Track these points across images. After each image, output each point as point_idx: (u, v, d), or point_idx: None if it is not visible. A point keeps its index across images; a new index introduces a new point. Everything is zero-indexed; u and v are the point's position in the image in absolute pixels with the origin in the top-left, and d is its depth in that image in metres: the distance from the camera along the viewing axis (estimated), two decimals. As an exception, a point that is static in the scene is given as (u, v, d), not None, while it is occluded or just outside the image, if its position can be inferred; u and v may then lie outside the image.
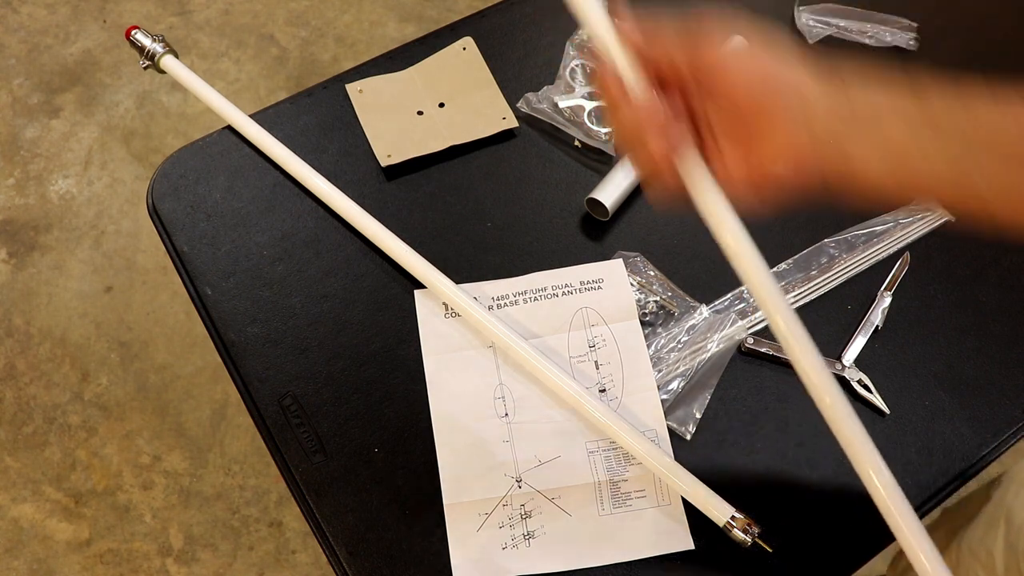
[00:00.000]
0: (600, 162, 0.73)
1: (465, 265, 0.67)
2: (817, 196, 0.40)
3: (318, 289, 0.66)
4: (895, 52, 0.81)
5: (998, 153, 0.37)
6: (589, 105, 0.74)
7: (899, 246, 0.69)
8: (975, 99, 0.39)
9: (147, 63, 0.75)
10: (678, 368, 0.63)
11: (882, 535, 0.59)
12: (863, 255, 0.68)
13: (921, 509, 0.59)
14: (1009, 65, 0.81)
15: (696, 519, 0.57)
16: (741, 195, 0.41)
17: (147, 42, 0.74)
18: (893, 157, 0.38)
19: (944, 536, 0.68)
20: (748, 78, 0.39)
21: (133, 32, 0.74)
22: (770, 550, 0.56)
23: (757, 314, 0.65)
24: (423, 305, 0.66)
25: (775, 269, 0.67)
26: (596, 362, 0.63)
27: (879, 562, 0.70)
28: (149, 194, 0.71)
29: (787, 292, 0.66)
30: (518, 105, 0.74)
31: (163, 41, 0.75)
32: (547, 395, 0.62)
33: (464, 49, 0.77)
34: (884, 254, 0.69)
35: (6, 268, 1.47)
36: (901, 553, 0.63)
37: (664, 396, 0.62)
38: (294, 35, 1.72)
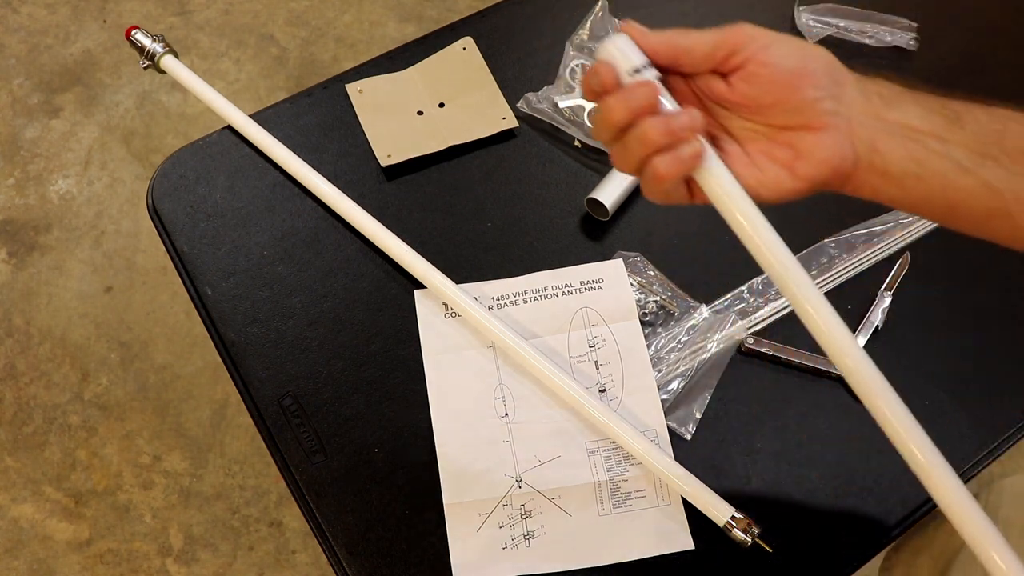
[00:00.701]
0: (600, 162, 0.73)
1: (465, 265, 0.67)
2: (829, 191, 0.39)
3: (318, 289, 0.66)
4: (895, 52, 0.81)
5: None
6: (589, 105, 0.74)
7: (899, 246, 0.69)
8: (1003, 112, 0.38)
9: (147, 63, 0.75)
10: (678, 368, 0.63)
11: (881, 535, 0.59)
12: (863, 255, 0.68)
13: (921, 509, 0.59)
14: (1009, 65, 0.81)
15: (696, 519, 0.58)
16: (762, 186, 0.39)
17: (147, 42, 0.74)
18: (916, 156, 0.37)
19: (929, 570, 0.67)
20: (788, 51, 0.37)
21: (133, 32, 0.74)
22: (770, 550, 0.56)
23: (757, 314, 0.65)
24: (423, 305, 0.66)
25: (775, 269, 0.67)
26: (596, 362, 0.63)
27: (878, 563, 0.70)
28: (149, 194, 0.71)
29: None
30: (518, 105, 0.74)
31: (163, 41, 0.75)
32: (547, 395, 0.62)
33: (464, 49, 0.77)
34: (884, 254, 0.69)
35: (6, 268, 1.47)
36: (890, 554, 0.63)
37: (664, 396, 0.62)
38: (294, 35, 1.72)
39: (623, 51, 0.39)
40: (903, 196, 0.38)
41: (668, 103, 0.38)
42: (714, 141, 0.40)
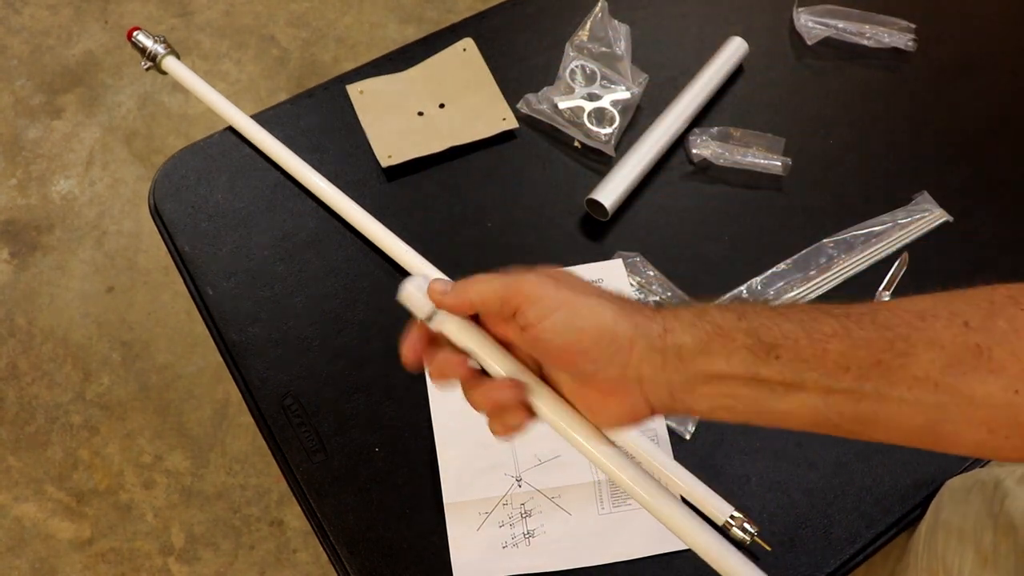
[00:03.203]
0: (600, 162, 0.73)
1: (465, 265, 0.68)
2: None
3: (319, 289, 0.67)
4: (893, 53, 0.81)
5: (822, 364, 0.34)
6: (589, 106, 0.74)
7: (897, 246, 0.69)
8: (826, 331, 0.35)
9: (149, 64, 0.75)
10: (677, 368, 0.63)
11: (880, 534, 0.59)
12: (862, 255, 0.68)
13: (919, 508, 0.60)
14: (1006, 67, 0.82)
15: (695, 518, 0.58)
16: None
17: (149, 43, 0.74)
18: (724, 392, 0.36)
19: None
20: (560, 327, 0.36)
21: (135, 33, 0.75)
22: (769, 548, 0.56)
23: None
24: (423, 305, 0.66)
25: (774, 269, 0.68)
26: (596, 362, 0.64)
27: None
28: (151, 194, 0.71)
29: (787, 292, 0.66)
30: (518, 106, 0.75)
31: (164, 42, 0.75)
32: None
33: (464, 50, 0.78)
34: (883, 254, 0.69)
35: (8, 268, 1.47)
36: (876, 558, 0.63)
37: (663, 396, 0.62)
38: (295, 36, 1.72)
39: (415, 298, 0.40)
40: (719, 418, 0.37)
41: (491, 361, 0.39)
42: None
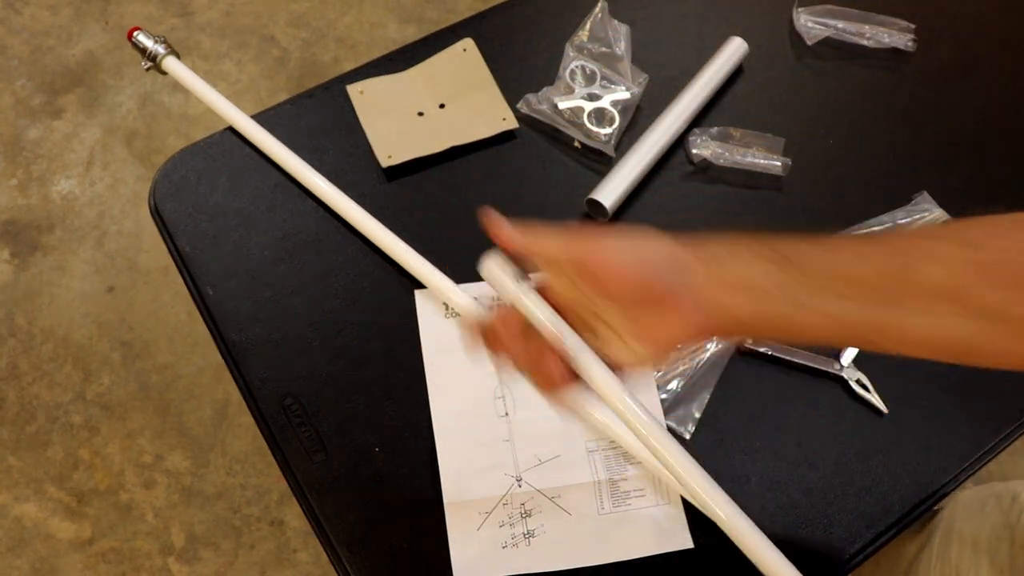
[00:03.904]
0: (600, 163, 0.73)
1: (465, 265, 0.67)
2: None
3: (319, 289, 0.67)
4: (893, 53, 0.81)
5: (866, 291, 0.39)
6: (589, 106, 0.74)
7: (898, 246, 0.69)
8: (832, 243, 0.41)
9: (149, 64, 0.75)
10: (677, 368, 0.63)
11: (880, 534, 0.59)
12: (862, 255, 0.68)
13: (919, 508, 0.60)
14: (1005, 67, 0.82)
15: (695, 518, 0.58)
16: (638, 369, 0.43)
17: (149, 43, 0.74)
18: (759, 303, 0.40)
19: None
20: (627, 270, 0.40)
21: (135, 33, 0.75)
22: (768, 549, 0.56)
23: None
24: (423, 305, 0.66)
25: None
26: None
27: (878, 561, 0.70)
28: (151, 195, 0.71)
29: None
30: (518, 106, 0.75)
31: (165, 42, 0.75)
32: (547, 395, 0.62)
33: (464, 50, 0.78)
34: (883, 254, 0.69)
35: (9, 268, 1.47)
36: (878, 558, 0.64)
37: (663, 396, 0.62)
38: (295, 36, 1.72)
39: (501, 273, 0.45)
40: (767, 336, 0.42)
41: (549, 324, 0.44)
42: (593, 331, 0.44)
